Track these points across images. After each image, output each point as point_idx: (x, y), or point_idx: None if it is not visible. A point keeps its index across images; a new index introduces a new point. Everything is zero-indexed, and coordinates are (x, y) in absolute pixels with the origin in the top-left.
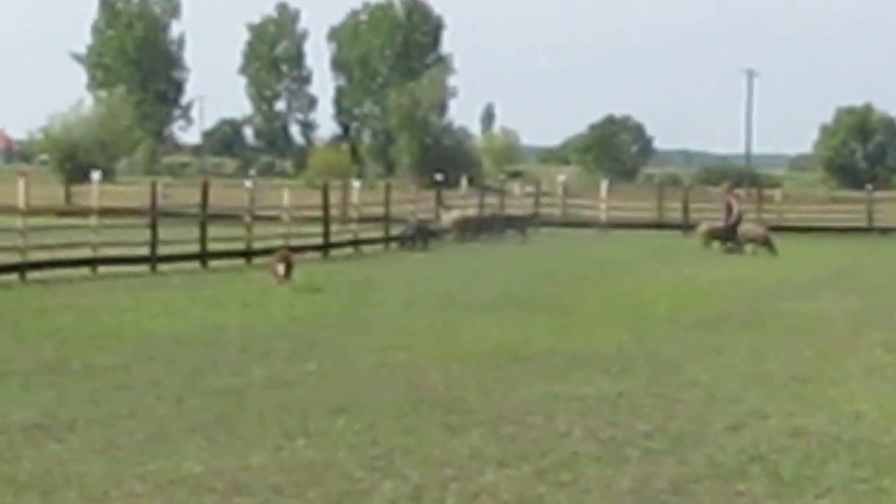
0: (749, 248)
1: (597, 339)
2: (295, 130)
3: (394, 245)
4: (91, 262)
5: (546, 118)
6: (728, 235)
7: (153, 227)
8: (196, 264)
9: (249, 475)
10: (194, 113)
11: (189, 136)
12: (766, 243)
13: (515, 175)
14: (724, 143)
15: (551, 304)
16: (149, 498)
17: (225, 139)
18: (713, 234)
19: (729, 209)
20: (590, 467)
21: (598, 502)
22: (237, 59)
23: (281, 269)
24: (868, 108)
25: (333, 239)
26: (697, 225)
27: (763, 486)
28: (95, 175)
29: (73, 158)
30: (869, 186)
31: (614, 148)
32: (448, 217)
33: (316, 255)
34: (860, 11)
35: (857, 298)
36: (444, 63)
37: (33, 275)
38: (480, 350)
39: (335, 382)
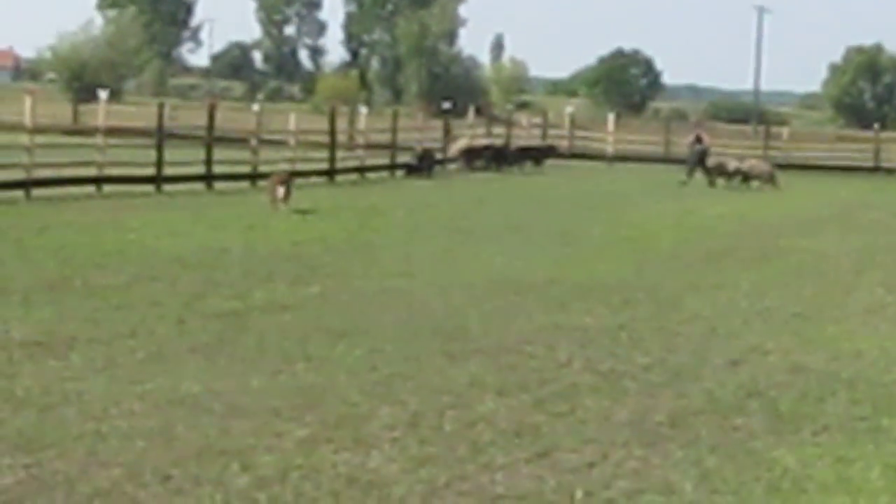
0: (755, 184)
1: (599, 270)
2: (304, 55)
3: (399, 172)
4: (96, 181)
5: (555, 50)
6: (699, 168)
7: (159, 147)
8: (201, 186)
9: (248, 397)
10: (203, 35)
11: (198, 58)
12: (770, 180)
13: (523, 106)
14: (733, 79)
15: (555, 235)
16: (147, 417)
17: (234, 63)
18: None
19: (695, 142)
20: (588, 398)
21: (595, 433)
22: None
23: (281, 191)
24: (878, 48)
25: (339, 165)
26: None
27: (760, 422)
28: (103, 94)
29: (81, 78)
30: (876, 126)
31: (623, 81)
32: (454, 146)
33: (321, 180)
34: None
35: (861, 237)
36: None
37: (38, 192)
38: (482, 278)
39: (336, 307)
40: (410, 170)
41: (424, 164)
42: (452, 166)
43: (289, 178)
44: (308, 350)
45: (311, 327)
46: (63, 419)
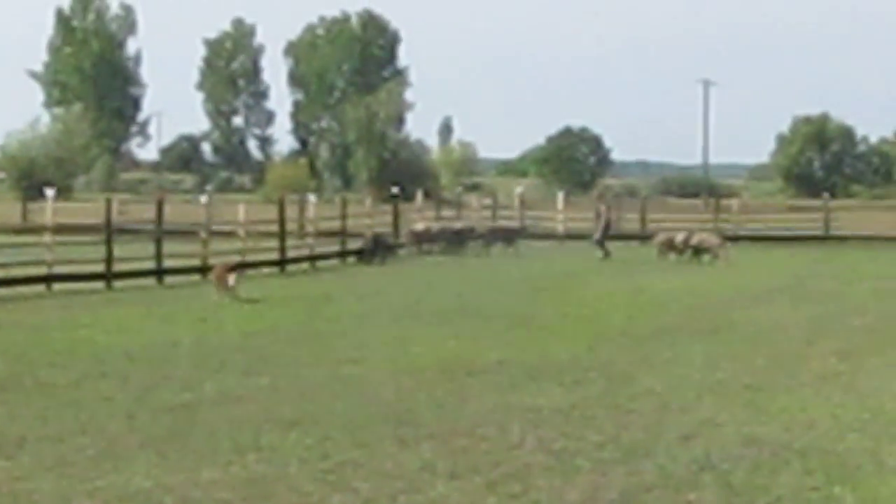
0: (706, 257)
1: (552, 350)
2: (253, 145)
3: (351, 259)
4: (46, 280)
5: (503, 130)
6: (601, 241)
7: (108, 243)
8: (152, 280)
9: (199, 490)
10: (152, 129)
11: (147, 152)
12: (720, 252)
13: (474, 188)
14: (683, 153)
15: (506, 316)
16: None
17: (183, 155)
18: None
19: (598, 216)
20: (540, 478)
21: None
22: (194, 75)
23: (232, 278)
24: (825, 117)
25: (290, 254)
26: (654, 235)
27: (714, 496)
28: (49, 192)
29: (30, 176)
30: (826, 195)
31: (572, 160)
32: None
33: (273, 270)
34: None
35: (812, 307)
36: (400, 76)
37: None
38: (434, 362)
39: (288, 397)
40: (361, 255)
41: (376, 250)
42: (404, 251)
43: (235, 266)
44: (259, 440)
45: (263, 418)
46: None
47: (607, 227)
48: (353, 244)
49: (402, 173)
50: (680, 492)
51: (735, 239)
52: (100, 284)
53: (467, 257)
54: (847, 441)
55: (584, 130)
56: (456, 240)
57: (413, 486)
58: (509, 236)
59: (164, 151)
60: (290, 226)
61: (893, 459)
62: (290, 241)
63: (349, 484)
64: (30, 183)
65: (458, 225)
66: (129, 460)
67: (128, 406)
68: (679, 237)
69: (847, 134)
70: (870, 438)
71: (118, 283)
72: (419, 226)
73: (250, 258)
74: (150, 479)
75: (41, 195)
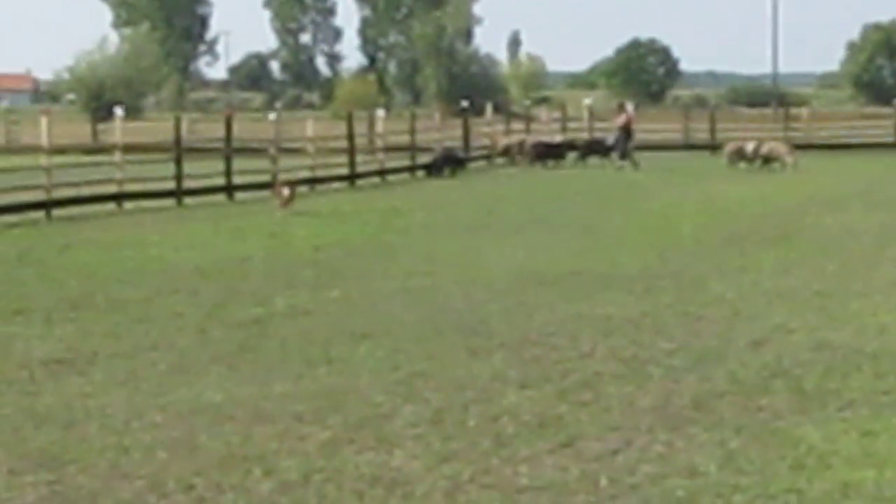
0: (775, 165)
1: (622, 259)
2: (321, 62)
3: (420, 173)
4: (116, 198)
5: (572, 43)
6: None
7: (178, 161)
8: (222, 197)
9: (270, 403)
10: (220, 48)
11: (215, 71)
12: (789, 160)
13: (542, 101)
14: (752, 63)
15: (576, 227)
16: (169, 428)
17: (251, 74)
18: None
19: (619, 128)
20: (611, 386)
21: (618, 420)
22: None
23: (286, 191)
24: (895, 24)
25: (359, 169)
26: (725, 145)
27: (785, 401)
28: (119, 112)
29: (99, 97)
30: (895, 102)
31: (641, 71)
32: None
33: (342, 185)
34: None
35: (883, 213)
36: None
37: (59, 212)
38: (504, 273)
39: (358, 309)
40: (430, 169)
41: (445, 163)
42: (477, 164)
43: (292, 183)
44: (330, 353)
45: (333, 331)
46: (85, 434)
47: (628, 137)
48: (423, 158)
49: (471, 87)
50: (751, 397)
51: (805, 147)
52: (170, 202)
53: (536, 170)
54: None
55: (652, 42)
56: (557, 152)
57: (484, 395)
58: (604, 149)
59: (233, 70)
60: (359, 141)
61: None
62: (359, 157)
63: (420, 395)
64: (99, 104)
65: (557, 138)
66: (200, 375)
67: (199, 321)
68: (749, 146)
69: None
70: None
71: (188, 200)
72: (532, 139)
73: (320, 174)
74: (221, 392)
75: (110, 115)
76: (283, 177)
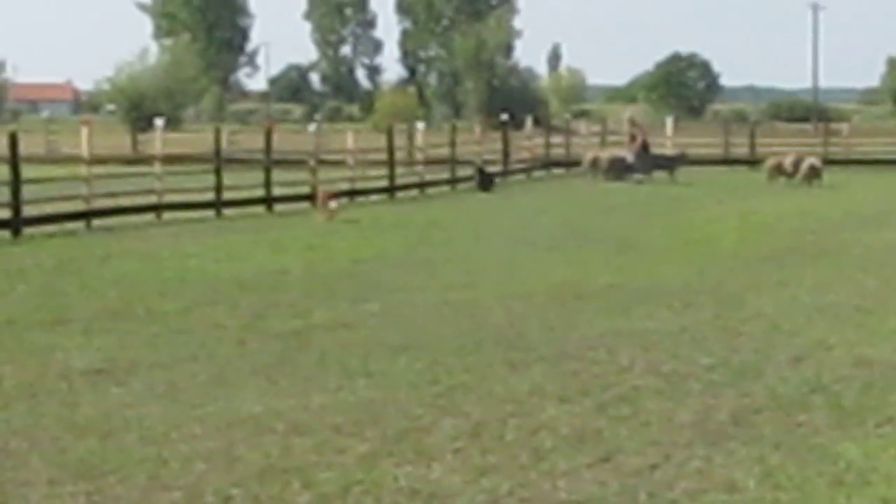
0: (815, 182)
1: (661, 274)
2: (361, 74)
3: (460, 186)
4: (156, 209)
5: (612, 57)
6: (638, 166)
7: (217, 172)
8: (261, 209)
9: (309, 415)
10: (260, 60)
11: (255, 82)
12: (814, 175)
13: (582, 114)
14: (792, 77)
15: (616, 240)
16: (208, 439)
17: (291, 85)
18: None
19: (632, 139)
20: (650, 401)
21: (657, 435)
22: (302, 5)
23: (334, 203)
24: None
25: (399, 181)
26: (765, 160)
27: (824, 417)
28: (159, 122)
29: (140, 107)
30: None
31: (681, 85)
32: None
33: (381, 197)
34: None
35: None
36: (509, 3)
37: (98, 222)
38: (543, 287)
39: (397, 322)
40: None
41: (481, 179)
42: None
43: (337, 193)
44: (369, 366)
45: (372, 343)
46: (124, 445)
47: (644, 149)
48: (463, 171)
49: (511, 100)
50: (790, 413)
51: (845, 163)
52: (209, 213)
53: (576, 181)
54: None
55: (692, 56)
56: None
57: (523, 409)
58: (669, 164)
59: (273, 82)
60: (399, 154)
61: None
62: (398, 169)
63: (459, 408)
64: (139, 114)
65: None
66: (239, 386)
67: (238, 333)
68: (788, 161)
69: None
70: None
71: (228, 212)
72: (606, 154)
73: (360, 186)
74: (260, 404)
75: (150, 126)
76: (323, 188)
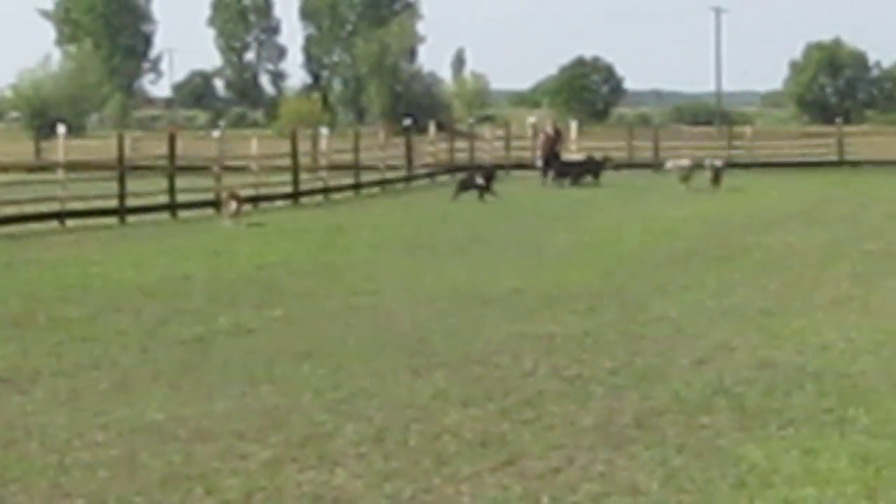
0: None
1: (565, 278)
2: (265, 80)
3: (363, 192)
4: (59, 216)
5: (516, 62)
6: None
7: (121, 179)
8: (165, 215)
9: (212, 422)
10: (164, 66)
11: (159, 89)
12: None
13: (486, 119)
14: (696, 81)
15: (520, 246)
16: (110, 446)
17: (196, 91)
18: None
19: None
20: (554, 404)
21: (561, 438)
22: (205, 11)
23: (233, 205)
24: (837, 43)
25: (303, 187)
26: (664, 163)
27: (727, 419)
28: (61, 129)
29: (43, 114)
30: (838, 120)
31: (585, 89)
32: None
33: (286, 203)
34: None
35: (826, 231)
36: (412, 9)
37: (1, 230)
38: (447, 292)
39: (301, 328)
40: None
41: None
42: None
43: (238, 193)
44: (273, 372)
45: (276, 349)
46: (26, 453)
47: (550, 151)
48: (367, 177)
49: (415, 106)
50: (693, 416)
51: (749, 166)
52: (113, 220)
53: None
54: (861, 363)
55: (596, 60)
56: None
57: (426, 414)
58: (595, 168)
59: (177, 88)
60: (303, 159)
61: None
62: (303, 175)
63: (362, 413)
64: (42, 121)
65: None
66: (142, 393)
67: (141, 340)
68: (683, 162)
69: (860, 59)
70: (884, 360)
71: (131, 219)
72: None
73: (264, 192)
74: (163, 411)
75: (54, 133)
76: (226, 193)
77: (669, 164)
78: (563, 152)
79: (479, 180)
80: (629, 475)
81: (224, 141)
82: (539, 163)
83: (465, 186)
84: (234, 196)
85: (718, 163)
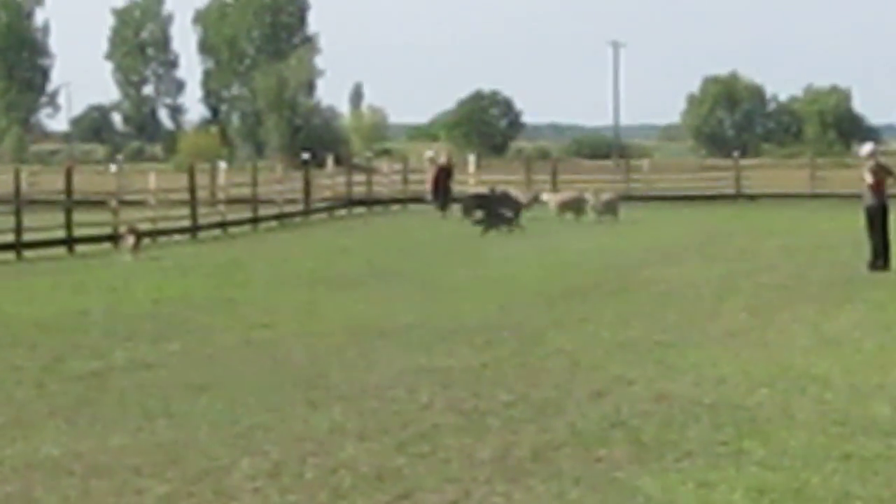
0: (594, 217)
1: (462, 311)
2: (164, 114)
3: (261, 226)
4: None
5: (414, 95)
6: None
7: (17, 213)
8: (62, 250)
9: (108, 457)
10: (62, 100)
11: (57, 123)
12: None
13: (384, 153)
14: (595, 115)
15: (417, 279)
16: (5, 482)
17: (94, 125)
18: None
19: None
20: (450, 438)
21: (457, 472)
22: (103, 45)
23: (130, 239)
24: (734, 77)
25: (201, 221)
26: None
27: (623, 451)
28: None
29: None
30: (736, 154)
31: (483, 123)
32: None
33: (184, 237)
34: None
35: (723, 264)
36: (310, 43)
37: None
38: (344, 326)
39: (198, 362)
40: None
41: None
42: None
43: (137, 228)
44: (169, 406)
45: (173, 384)
46: None
47: (441, 183)
48: (265, 211)
49: (313, 140)
50: (590, 449)
51: (646, 199)
52: (9, 255)
53: (377, 220)
54: (756, 396)
55: (495, 93)
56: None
57: (322, 448)
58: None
59: (75, 122)
60: (201, 193)
61: (802, 413)
62: (201, 209)
63: (259, 447)
64: None
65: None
66: (38, 428)
67: (37, 375)
68: (568, 196)
69: (757, 93)
70: (779, 393)
71: (28, 253)
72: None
73: (162, 226)
74: (59, 446)
75: None
76: (124, 227)
77: (545, 197)
78: (455, 185)
79: (508, 213)
80: None
81: (122, 175)
82: (429, 197)
83: (494, 222)
84: (132, 230)
85: (607, 196)
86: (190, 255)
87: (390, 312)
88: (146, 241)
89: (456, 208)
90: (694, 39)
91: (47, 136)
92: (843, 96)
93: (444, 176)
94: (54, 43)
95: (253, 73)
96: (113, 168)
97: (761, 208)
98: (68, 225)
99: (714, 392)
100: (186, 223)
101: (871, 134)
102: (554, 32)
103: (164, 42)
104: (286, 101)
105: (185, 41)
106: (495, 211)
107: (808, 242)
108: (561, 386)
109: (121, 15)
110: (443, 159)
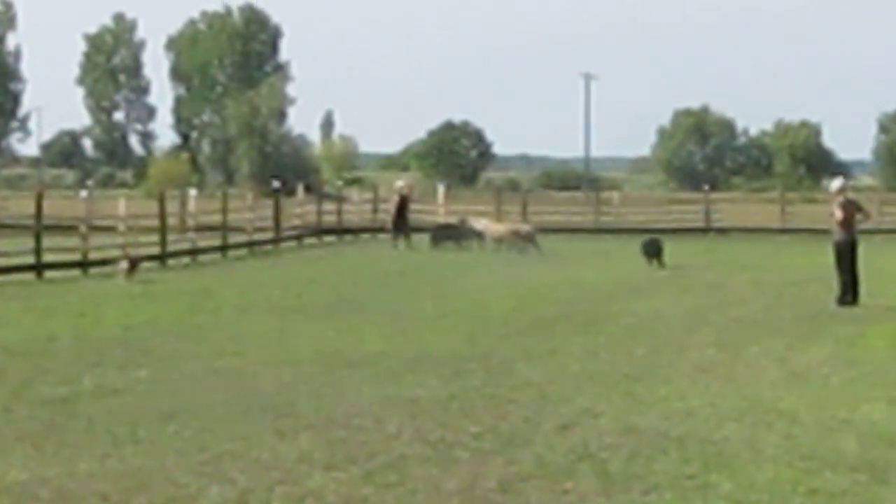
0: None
1: (431, 342)
2: (134, 140)
3: (231, 253)
4: None
5: (385, 125)
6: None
7: None
8: (30, 276)
9: (75, 483)
10: (32, 124)
11: (27, 147)
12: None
13: (355, 182)
14: (565, 147)
15: (386, 309)
16: None
17: (64, 151)
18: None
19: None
20: (418, 468)
21: (424, 503)
22: (75, 70)
23: (123, 264)
24: (705, 110)
25: (170, 248)
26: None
27: (590, 484)
28: None
29: None
30: (706, 187)
31: (454, 153)
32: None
33: (153, 264)
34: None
35: (692, 298)
36: (282, 71)
37: None
38: (312, 354)
39: (166, 389)
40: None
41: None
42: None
43: (135, 257)
44: (137, 433)
45: (141, 410)
46: None
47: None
48: (234, 238)
49: (284, 167)
50: (557, 481)
51: (617, 231)
52: None
53: (347, 249)
54: (725, 429)
55: (465, 124)
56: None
57: (290, 476)
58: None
59: (45, 147)
60: (171, 220)
61: (770, 447)
62: (170, 236)
63: (226, 475)
64: None
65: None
66: (4, 453)
67: (4, 400)
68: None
69: (727, 126)
70: (747, 427)
71: None
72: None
73: (131, 252)
74: (26, 471)
75: None
76: (94, 255)
77: (480, 226)
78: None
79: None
80: None
81: (92, 201)
82: (388, 226)
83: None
84: (128, 257)
85: (526, 228)
86: (159, 282)
87: (359, 342)
88: (145, 264)
89: (415, 238)
90: (665, 73)
91: (17, 160)
92: (813, 131)
93: (401, 206)
94: (26, 67)
95: (224, 101)
96: (83, 193)
97: (731, 242)
98: (37, 250)
99: (682, 425)
100: (156, 250)
101: (840, 169)
102: (525, 64)
103: (135, 68)
104: (257, 129)
105: (156, 67)
106: (462, 241)
107: (778, 277)
108: (529, 418)
109: (93, 40)
110: (404, 189)
